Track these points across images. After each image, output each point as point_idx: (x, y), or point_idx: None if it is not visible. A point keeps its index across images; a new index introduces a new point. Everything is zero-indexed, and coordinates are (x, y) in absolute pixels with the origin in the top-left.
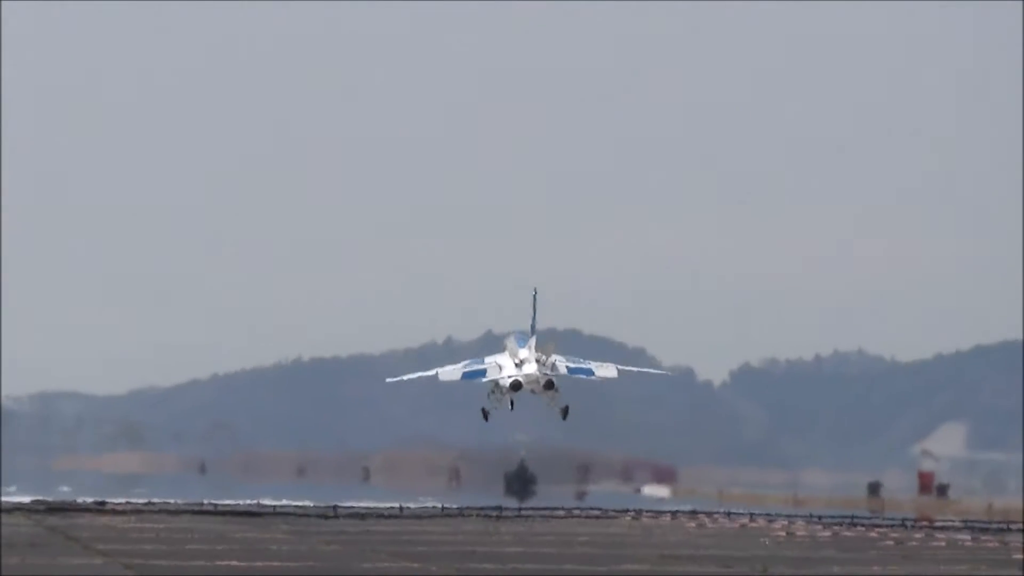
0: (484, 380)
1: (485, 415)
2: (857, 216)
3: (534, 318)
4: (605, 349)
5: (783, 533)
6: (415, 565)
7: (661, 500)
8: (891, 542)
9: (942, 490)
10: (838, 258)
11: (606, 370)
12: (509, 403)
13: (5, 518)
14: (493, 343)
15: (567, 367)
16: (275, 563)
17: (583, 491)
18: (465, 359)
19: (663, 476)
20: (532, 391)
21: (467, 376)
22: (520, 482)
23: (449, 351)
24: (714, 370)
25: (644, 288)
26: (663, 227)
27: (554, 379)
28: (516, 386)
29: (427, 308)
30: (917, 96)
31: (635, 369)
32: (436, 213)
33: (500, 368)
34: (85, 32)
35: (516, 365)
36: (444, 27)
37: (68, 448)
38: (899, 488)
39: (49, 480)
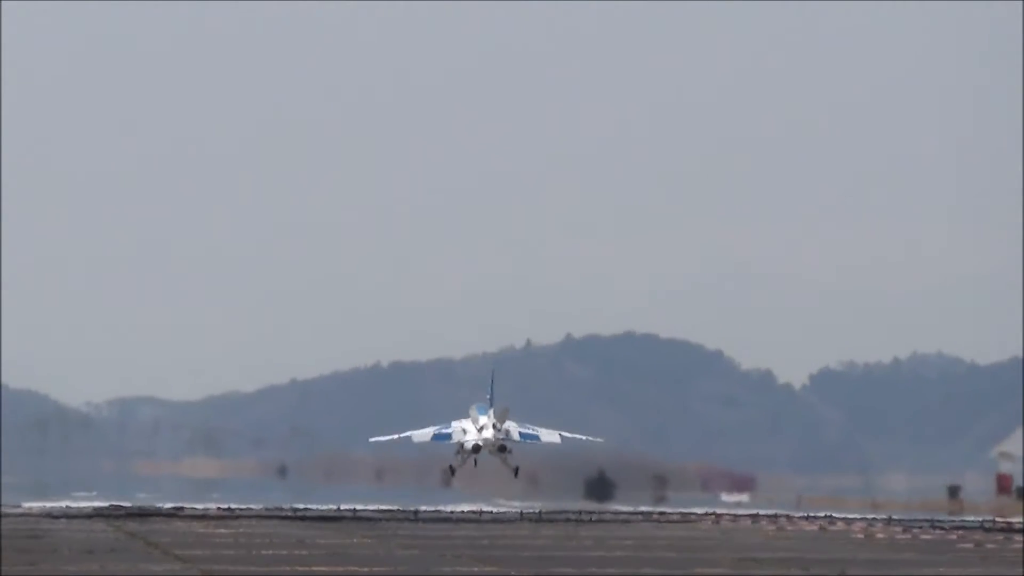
0: (450, 443)
1: (452, 471)
2: (934, 220)
3: (492, 393)
4: (683, 352)
5: (862, 536)
6: (495, 569)
7: (740, 505)
8: (970, 544)
9: (1021, 492)
10: (916, 261)
11: (550, 436)
12: (473, 461)
13: (84, 524)
14: (573, 347)
15: (519, 432)
16: (355, 567)
17: (662, 497)
18: (545, 363)
19: (741, 484)
20: (489, 452)
21: (436, 439)
22: (599, 488)
23: (528, 355)
24: (793, 373)
25: (723, 291)
26: (742, 231)
27: (506, 443)
28: (476, 448)
29: (506, 312)
30: (993, 102)
31: (580, 436)
32: (515, 216)
33: (464, 432)
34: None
35: (478, 431)
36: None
37: (146, 453)
38: (978, 491)
39: (128, 485)
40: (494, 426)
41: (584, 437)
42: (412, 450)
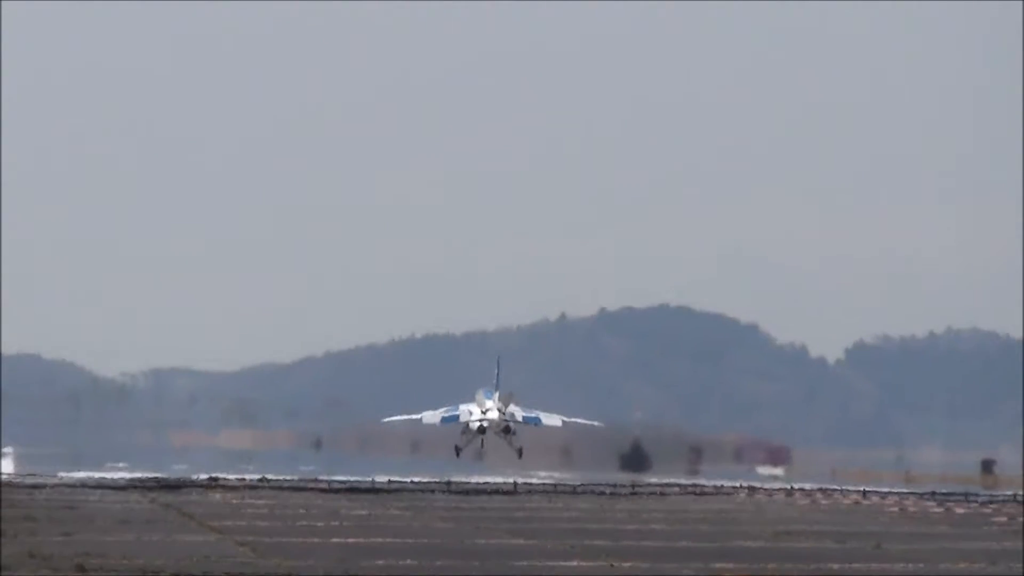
0: (458, 423)
1: (457, 451)
2: (970, 195)
3: (498, 378)
4: (717, 326)
5: (896, 509)
6: (530, 542)
7: (775, 479)
8: (1004, 518)
9: None
10: (951, 236)
11: (552, 419)
12: (480, 442)
13: (120, 494)
14: (607, 320)
15: (522, 415)
16: (389, 539)
17: (696, 470)
18: (580, 336)
19: (776, 457)
20: (495, 433)
21: (445, 420)
22: (634, 461)
23: (562, 328)
24: (828, 347)
25: (758, 265)
26: (778, 205)
27: (511, 424)
28: (482, 429)
29: (541, 285)
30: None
31: (580, 420)
32: (550, 190)
33: (471, 414)
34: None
35: (483, 413)
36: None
37: (182, 425)
38: (1012, 464)
39: (163, 456)
40: (499, 409)
41: (584, 421)
42: (446, 423)
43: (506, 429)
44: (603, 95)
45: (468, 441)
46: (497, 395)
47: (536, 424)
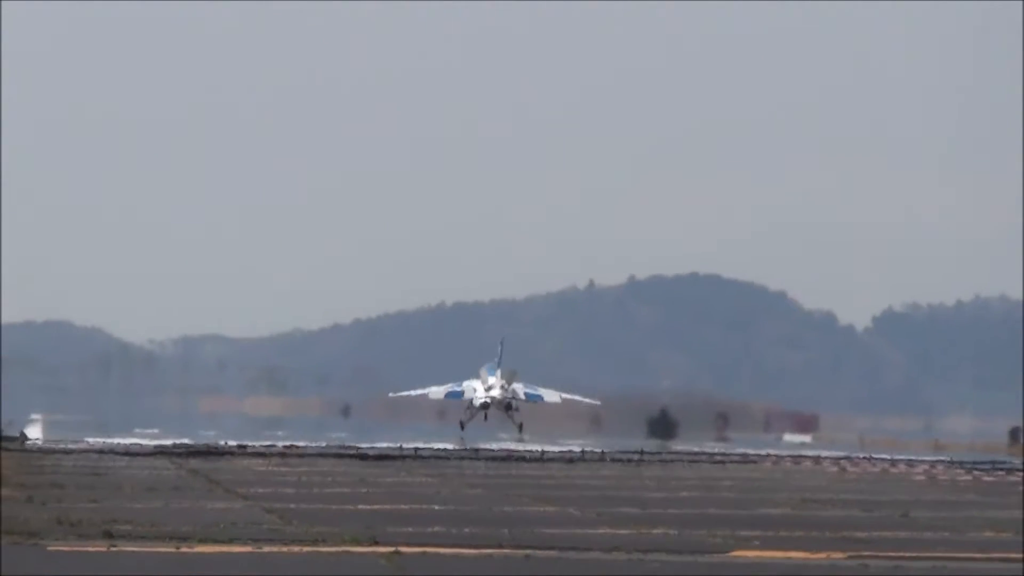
0: (462, 399)
1: (462, 426)
2: (998, 164)
3: (500, 356)
4: (746, 293)
5: (923, 478)
6: (557, 508)
7: (803, 447)
8: None
9: None
10: (980, 204)
11: (552, 396)
12: (483, 416)
13: (148, 461)
14: (636, 288)
15: (524, 392)
16: (417, 506)
17: (724, 437)
18: (609, 304)
19: (804, 424)
20: (496, 409)
21: (450, 396)
22: (662, 426)
23: (591, 296)
24: (856, 315)
25: (787, 233)
26: (807, 174)
27: (512, 401)
28: (485, 405)
29: (570, 253)
30: None
31: (578, 397)
32: (579, 158)
33: (475, 391)
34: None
35: (486, 390)
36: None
37: (210, 391)
38: None
39: (191, 423)
40: (502, 386)
41: (581, 398)
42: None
43: (508, 406)
44: (631, 65)
45: (472, 416)
46: (500, 372)
47: (537, 401)
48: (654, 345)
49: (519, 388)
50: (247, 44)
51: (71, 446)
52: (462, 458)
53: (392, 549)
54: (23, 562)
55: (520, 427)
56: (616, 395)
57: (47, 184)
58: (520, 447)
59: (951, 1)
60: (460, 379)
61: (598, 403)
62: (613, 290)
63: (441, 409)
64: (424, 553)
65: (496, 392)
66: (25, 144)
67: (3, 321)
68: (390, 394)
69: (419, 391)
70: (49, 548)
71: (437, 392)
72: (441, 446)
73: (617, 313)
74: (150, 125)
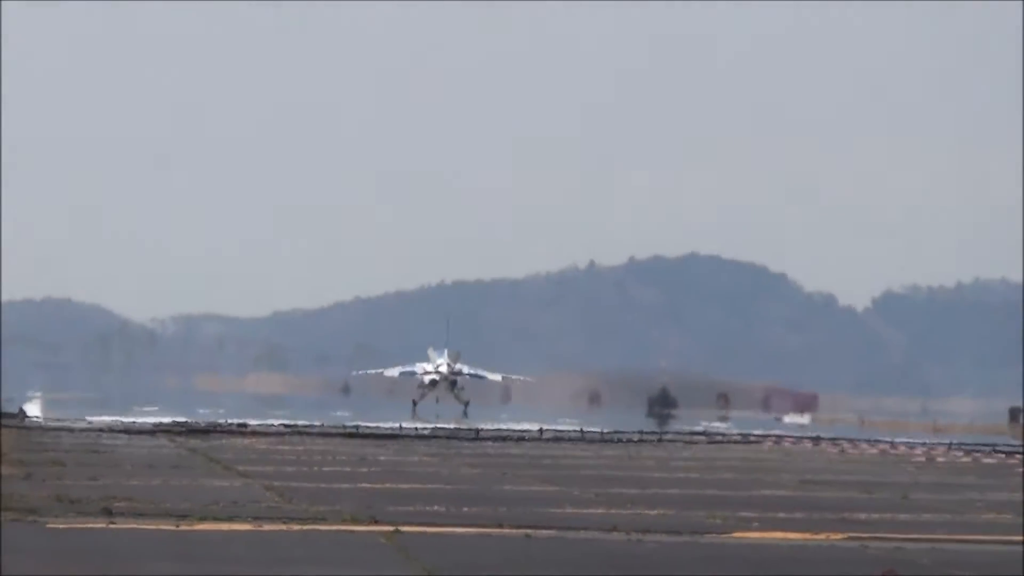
0: (414, 377)
1: (414, 404)
2: (1000, 147)
3: (447, 336)
4: (747, 274)
5: (923, 459)
6: (557, 488)
7: (802, 427)
8: None
9: None
10: (981, 185)
11: (494, 376)
12: (435, 398)
13: (146, 439)
14: (637, 268)
15: (468, 373)
16: (417, 485)
17: (724, 417)
18: (609, 284)
19: (804, 404)
20: (444, 388)
21: (403, 375)
22: (662, 406)
23: (591, 276)
24: (857, 296)
25: (788, 213)
26: (808, 154)
27: (457, 379)
28: (433, 383)
29: (570, 233)
30: None
31: (518, 377)
32: (580, 138)
33: (425, 370)
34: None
35: (435, 369)
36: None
37: (211, 369)
38: None
39: (191, 401)
40: (448, 365)
41: (518, 376)
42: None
43: (453, 383)
44: (632, 49)
45: (423, 395)
46: (447, 352)
47: (480, 379)
48: (654, 325)
49: (463, 368)
50: (261, 31)
51: (71, 424)
52: (461, 438)
53: (392, 528)
54: (22, 539)
55: (466, 406)
56: (616, 374)
57: (48, 162)
58: (518, 426)
59: None
60: (457, 351)
61: (531, 380)
62: (613, 270)
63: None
64: (424, 532)
65: (444, 370)
66: (26, 123)
67: (3, 299)
68: (352, 372)
69: (377, 370)
70: (48, 525)
71: (392, 371)
72: (441, 425)
73: (617, 293)
74: (152, 104)
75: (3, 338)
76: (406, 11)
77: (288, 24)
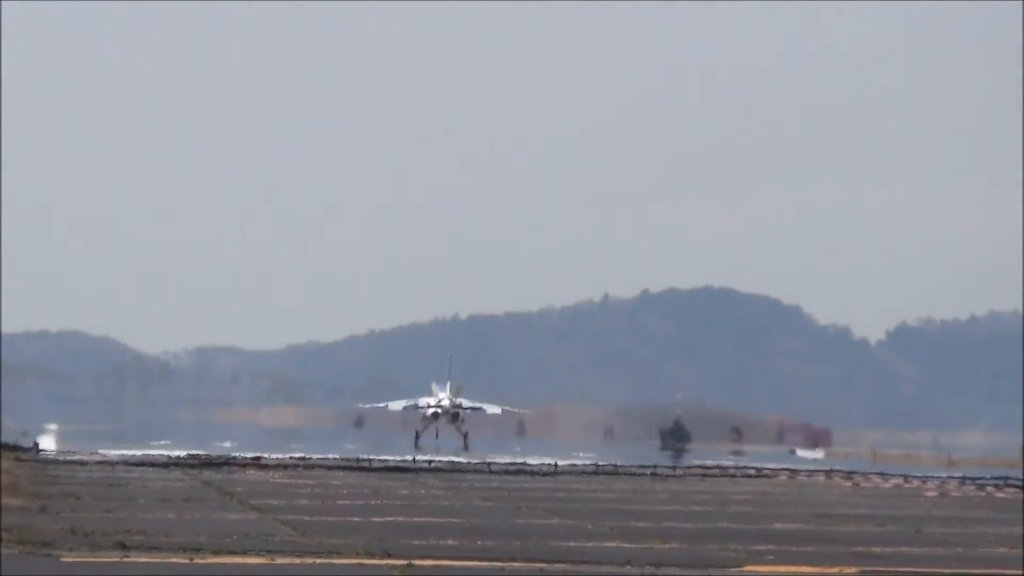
0: (417, 411)
1: (417, 435)
2: (1013, 179)
3: (449, 372)
4: (760, 306)
5: (936, 493)
6: (570, 522)
7: (816, 461)
8: None
9: None
10: (995, 218)
11: (493, 408)
12: (435, 431)
13: (161, 472)
14: (650, 301)
15: (469, 406)
16: (431, 518)
17: (738, 451)
18: (623, 317)
19: (817, 438)
20: (446, 421)
21: (407, 408)
22: (675, 439)
23: (605, 309)
24: (870, 329)
25: (801, 246)
26: (821, 187)
27: (460, 412)
28: (435, 416)
29: (583, 266)
30: None
31: (514, 409)
32: (594, 172)
33: (428, 404)
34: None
35: (437, 403)
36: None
37: (225, 402)
38: None
39: (206, 434)
40: (449, 399)
41: (516, 409)
42: (488, 401)
43: (455, 416)
44: (646, 83)
45: (425, 427)
46: (449, 386)
47: (479, 412)
48: (668, 358)
49: (464, 401)
50: (264, 52)
51: (85, 457)
52: (474, 471)
53: (405, 562)
54: (37, 572)
55: (466, 437)
56: (630, 407)
57: (61, 193)
58: (532, 460)
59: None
60: (474, 384)
61: (530, 412)
62: (627, 303)
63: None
64: (437, 566)
65: (446, 404)
66: (39, 153)
67: (17, 330)
68: (358, 405)
69: (382, 404)
70: (63, 559)
71: (396, 405)
72: (454, 458)
73: (631, 326)
74: (166, 136)
75: (17, 371)
76: (420, 42)
77: (306, 53)
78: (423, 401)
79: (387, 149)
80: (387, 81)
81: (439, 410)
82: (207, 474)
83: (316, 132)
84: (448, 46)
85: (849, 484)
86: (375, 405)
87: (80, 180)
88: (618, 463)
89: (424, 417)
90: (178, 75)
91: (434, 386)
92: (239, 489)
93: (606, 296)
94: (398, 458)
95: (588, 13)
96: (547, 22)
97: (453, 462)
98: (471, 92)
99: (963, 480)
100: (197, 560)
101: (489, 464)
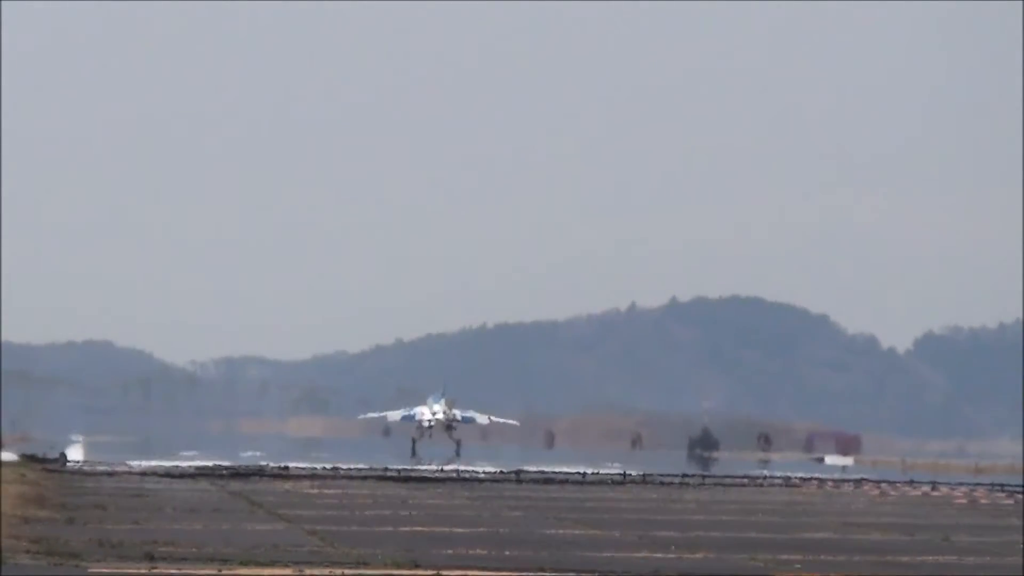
0: (413, 421)
1: (413, 444)
2: None
3: (444, 385)
4: (788, 315)
5: (965, 501)
6: (598, 531)
7: (844, 469)
8: None
9: None
10: (1021, 227)
11: (482, 418)
12: (429, 435)
13: (188, 483)
14: (678, 310)
15: (461, 416)
16: (459, 528)
17: (766, 459)
18: (650, 326)
19: (846, 445)
20: (440, 430)
21: (404, 419)
22: (703, 447)
23: (632, 318)
24: (898, 337)
25: (829, 255)
26: (849, 196)
27: (453, 423)
28: (430, 425)
29: (611, 275)
30: None
31: (500, 419)
32: (621, 181)
33: (423, 414)
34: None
35: (432, 414)
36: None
37: (253, 413)
38: None
39: (233, 444)
40: (444, 411)
41: (502, 419)
42: (516, 412)
43: (449, 426)
44: (669, 91)
45: (420, 436)
46: (443, 399)
47: (470, 422)
48: (695, 367)
49: (458, 413)
50: (288, 64)
51: (113, 468)
52: (502, 481)
53: (434, 572)
54: None
55: (458, 445)
56: (657, 416)
57: (88, 205)
58: (560, 469)
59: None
60: (491, 394)
61: (516, 423)
62: (654, 312)
63: (484, 432)
64: (466, 575)
65: (440, 415)
66: (65, 164)
67: (44, 342)
68: (359, 416)
69: (380, 414)
70: (91, 570)
71: (394, 415)
72: (483, 468)
73: (658, 335)
74: (193, 146)
75: (45, 382)
76: (440, 63)
77: (323, 67)
78: (419, 411)
79: (415, 159)
80: (420, 87)
81: (433, 422)
82: (235, 484)
83: (347, 143)
84: (481, 49)
85: (877, 492)
86: (372, 415)
87: (106, 191)
88: (646, 472)
89: (420, 427)
90: (204, 90)
91: (429, 399)
92: (267, 499)
93: (633, 305)
94: (424, 467)
95: (626, 12)
96: (585, 22)
97: (482, 471)
98: (502, 98)
99: (992, 487)
100: (225, 571)
101: (518, 473)
